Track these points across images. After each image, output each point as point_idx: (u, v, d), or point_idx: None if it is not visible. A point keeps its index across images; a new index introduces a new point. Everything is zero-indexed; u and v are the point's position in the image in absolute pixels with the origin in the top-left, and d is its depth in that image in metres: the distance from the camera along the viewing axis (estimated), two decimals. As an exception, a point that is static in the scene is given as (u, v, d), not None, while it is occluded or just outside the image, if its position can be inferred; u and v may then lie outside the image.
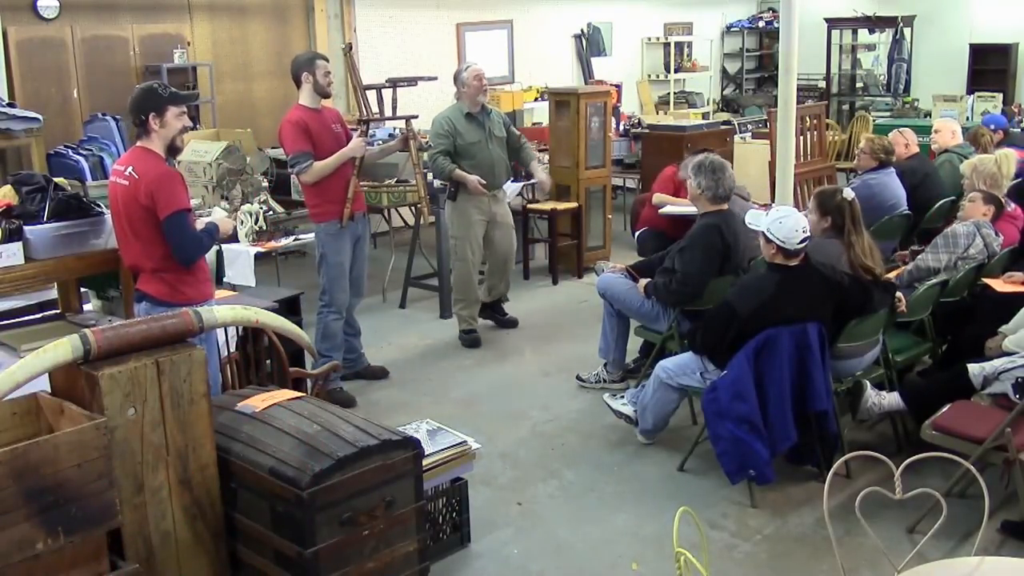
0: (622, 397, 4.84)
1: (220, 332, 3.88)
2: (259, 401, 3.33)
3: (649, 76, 12.88)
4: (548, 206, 7.82)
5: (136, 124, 3.81)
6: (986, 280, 4.90)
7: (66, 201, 3.98)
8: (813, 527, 3.94)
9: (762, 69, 14.90)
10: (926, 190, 6.54)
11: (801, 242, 4.09)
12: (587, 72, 11.77)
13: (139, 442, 2.92)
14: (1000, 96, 10.89)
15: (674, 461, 4.50)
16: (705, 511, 4.02)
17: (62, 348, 2.83)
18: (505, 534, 3.97)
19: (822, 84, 13.61)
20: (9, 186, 4.08)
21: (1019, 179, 5.82)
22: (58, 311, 4.37)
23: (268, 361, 4.04)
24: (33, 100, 7.21)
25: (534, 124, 9.95)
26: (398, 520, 3.15)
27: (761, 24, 14.51)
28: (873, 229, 5.38)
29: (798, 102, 6.34)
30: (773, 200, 6.15)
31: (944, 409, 3.95)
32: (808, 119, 8.51)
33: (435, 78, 6.40)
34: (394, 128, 7.50)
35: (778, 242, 4.09)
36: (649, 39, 12.87)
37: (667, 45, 12.96)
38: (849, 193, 4.56)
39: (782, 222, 4.09)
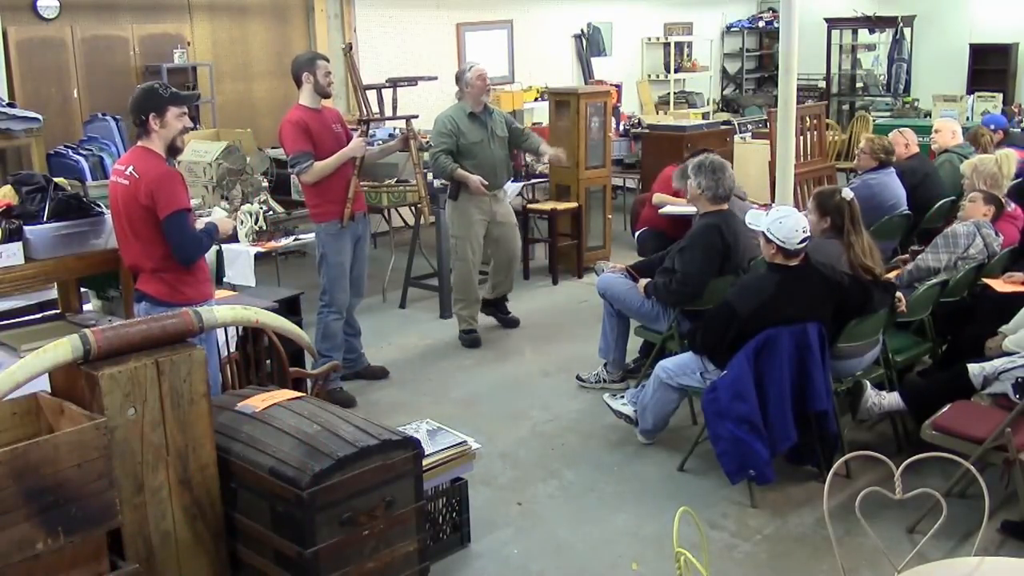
0: (622, 397, 4.84)
1: (220, 332, 3.88)
2: (259, 401, 3.33)
3: (649, 76, 12.88)
4: (548, 206, 7.83)
5: (136, 124, 3.81)
6: (986, 280, 4.90)
7: (66, 201, 3.97)
8: (813, 527, 3.94)
9: (762, 69, 14.89)
10: (926, 190, 6.54)
11: (801, 242, 4.09)
12: (587, 72, 11.77)
13: (139, 442, 2.92)
14: (1000, 96, 10.89)
15: (674, 461, 4.50)
16: (705, 511, 4.02)
17: (62, 348, 2.83)
18: (505, 534, 3.97)
19: (822, 84, 13.61)
20: (9, 186, 4.08)
21: (1019, 179, 5.83)
22: (58, 311, 4.37)
23: (268, 361, 4.04)
24: (33, 100, 7.21)
25: (534, 124, 9.93)
26: (398, 520, 3.15)
27: (761, 24, 14.51)
28: (873, 229, 5.38)
29: (798, 102, 6.34)
30: (773, 200, 6.15)
31: (944, 409, 3.95)
32: (808, 119, 8.51)
33: (435, 78, 6.40)
34: (394, 128, 7.50)
35: (778, 242, 4.09)
36: (649, 39, 12.87)
37: (667, 45, 12.96)
38: (848, 193, 4.56)
39: (782, 222, 4.09)
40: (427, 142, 6.32)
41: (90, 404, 2.85)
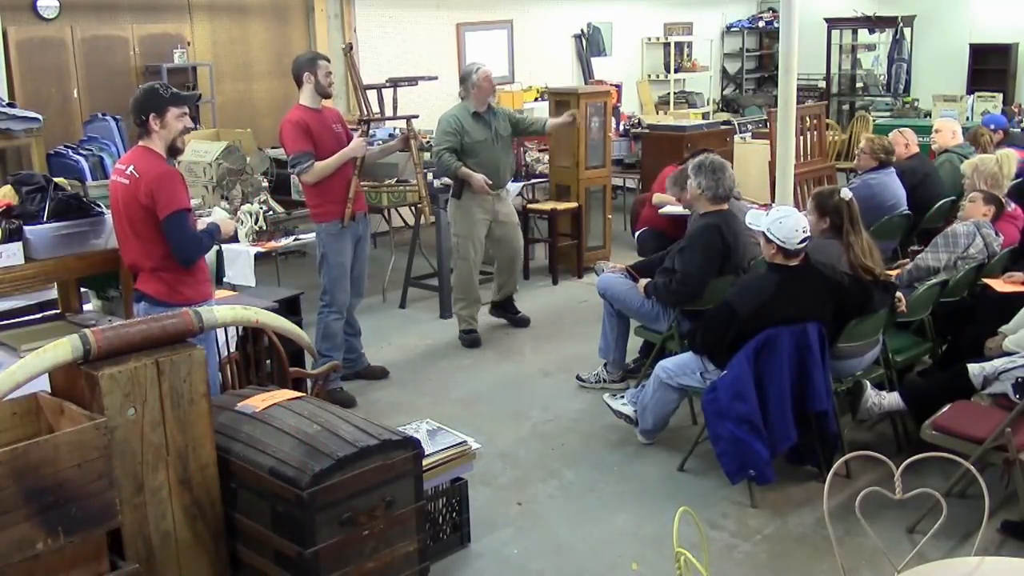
0: (622, 397, 4.84)
1: (220, 332, 3.88)
2: (259, 401, 3.33)
3: (649, 76, 12.88)
4: (548, 206, 7.83)
5: (137, 124, 3.82)
6: (986, 280, 4.90)
7: (66, 201, 3.97)
8: (813, 527, 3.94)
9: (762, 69, 14.90)
10: (926, 190, 6.54)
11: (801, 242, 4.09)
12: (587, 72, 11.77)
13: (139, 442, 2.92)
14: (1000, 96, 10.90)
15: (674, 461, 4.50)
16: (705, 511, 4.02)
17: (62, 348, 2.83)
18: (505, 534, 3.97)
19: (822, 84, 13.61)
20: (9, 186, 4.07)
21: (1019, 179, 5.82)
22: (58, 311, 4.37)
23: (268, 361, 4.04)
24: (33, 100, 7.21)
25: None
26: (398, 520, 3.15)
27: (761, 24, 14.51)
28: (873, 229, 5.38)
29: (798, 102, 6.34)
30: (773, 200, 6.15)
31: (944, 409, 3.95)
32: (808, 119, 8.51)
33: (436, 78, 6.40)
34: (394, 128, 7.50)
35: (778, 242, 4.09)
36: (649, 39, 12.87)
37: (667, 45, 12.96)
38: (847, 193, 4.56)
39: (782, 222, 4.09)
40: (427, 142, 6.32)
41: (90, 404, 2.85)
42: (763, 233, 4.15)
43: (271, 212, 6.33)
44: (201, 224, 4.00)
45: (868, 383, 4.38)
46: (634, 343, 5.47)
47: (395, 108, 5.64)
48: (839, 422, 4.31)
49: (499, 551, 3.85)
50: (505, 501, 4.24)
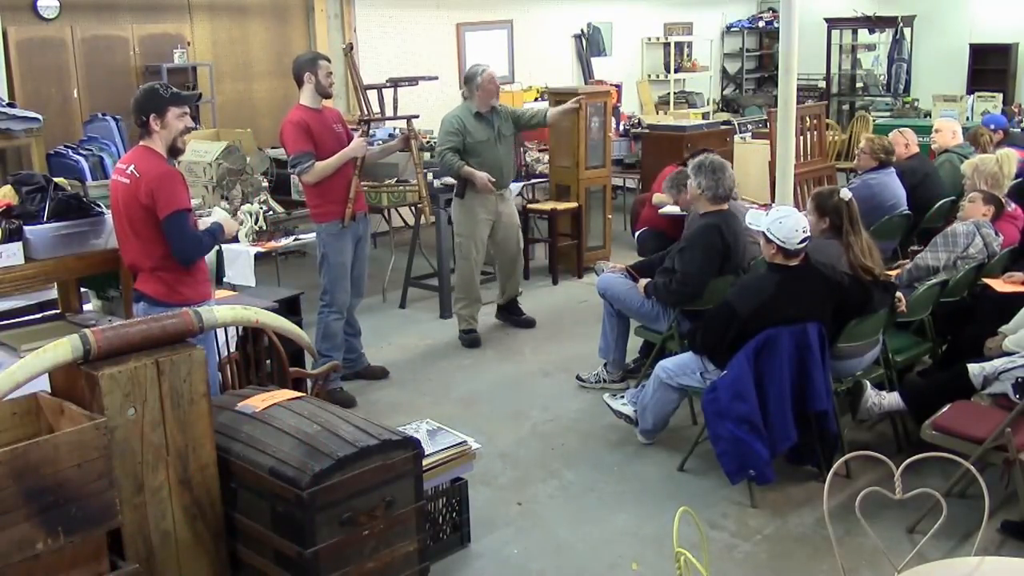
0: (622, 397, 4.84)
1: (220, 332, 3.88)
2: (259, 401, 3.33)
3: (649, 76, 12.88)
4: (548, 206, 7.83)
5: (138, 125, 3.82)
6: (986, 280, 4.90)
7: (66, 201, 3.97)
8: (813, 527, 3.94)
9: (762, 69, 14.90)
10: (926, 190, 6.54)
11: (801, 242, 4.09)
12: (587, 72, 11.77)
13: (139, 442, 2.92)
14: (1000, 96, 10.90)
15: (674, 461, 4.50)
16: (705, 511, 4.02)
17: (62, 348, 2.83)
18: (505, 534, 3.97)
19: (822, 84, 13.61)
20: (9, 186, 4.07)
21: (1020, 179, 5.82)
22: (58, 311, 4.37)
23: (268, 361, 4.04)
24: (33, 100, 7.21)
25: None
26: (398, 520, 3.15)
27: (761, 24, 14.51)
28: (873, 229, 5.38)
29: (798, 102, 6.34)
30: (773, 200, 6.15)
31: (944, 409, 3.95)
32: (808, 119, 8.51)
33: (436, 78, 6.41)
34: (394, 128, 7.51)
35: (778, 242, 4.09)
36: (649, 39, 12.87)
37: (667, 45, 12.96)
38: (846, 194, 4.56)
39: (782, 222, 4.09)
40: (427, 142, 6.32)
41: (90, 404, 2.84)
42: (763, 233, 4.15)
43: (271, 212, 6.33)
44: (203, 224, 4.00)
45: (868, 383, 4.38)
46: (634, 343, 5.47)
47: (395, 108, 5.65)
48: (839, 422, 4.31)
49: (499, 551, 3.85)
50: (505, 501, 4.24)
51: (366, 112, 5.38)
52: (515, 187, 7.27)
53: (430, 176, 6.48)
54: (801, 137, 8.19)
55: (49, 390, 3.02)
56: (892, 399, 4.35)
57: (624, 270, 5.26)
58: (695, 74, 13.42)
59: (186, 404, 3.01)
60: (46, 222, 3.89)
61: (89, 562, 2.70)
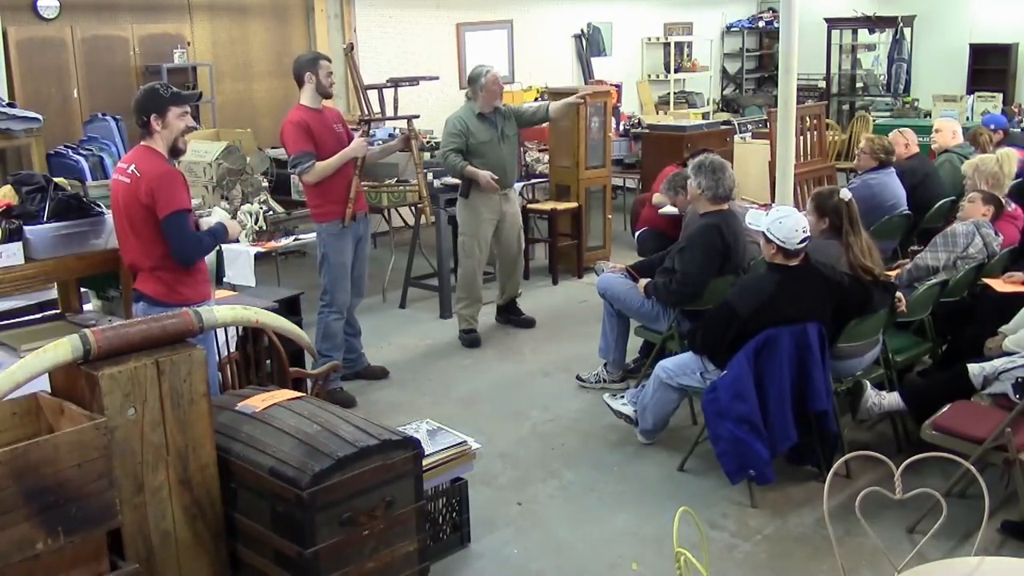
0: (622, 397, 4.84)
1: (220, 332, 3.88)
2: (259, 401, 3.33)
3: (649, 76, 12.88)
4: (548, 206, 7.83)
5: (139, 126, 3.82)
6: (986, 280, 4.90)
7: (66, 201, 3.97)
8: (813, 527, 3.94)
9: (762, 69, 14.89)
10: (926, 190, 6.54)
11: (801, 242, 4.09)
12: (587, 72, 11.77)
13: (139, 442, 2.92)
14: (1000, 96, 10.90)
15: (674, 461, 4.50)
16: (705, 511, 4.02)
17: (62, 348, 2.83)
18: (505, 534, 3.97)
19: (822, 84, 13.61)
20: (9, 186, 4.07)
21: (1020, 179, 5.82)
22: (58, 311, 4.37)
23: (268, 361, 4.04)
24: (33, 100, 7.21)
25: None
26: (398, 520, 3.15)
27: (761, 24, 14.51)
28: (873, 229, 5.38)
29: (798, 102, 6.34)
30: (773, 200, 6.15)
31: (944, 409, 3.95)
32: (808, 119, 8.51)
33: (436, 78, 6.41)
34: (394, 128, 7.51)
35: (778, 242, 4.09)
36: (649, 39, 12.87)
37: (667, 45, 12.96)
38: (846, 194, 4.56)
39: (782, 222, 4.09)
40: (428, 142, 6.32)
41: (90, 404, 2.84)
42: (763, 233, 4.15)
43: (271, 212, 6.33)
44: (204, 224, 4.01)
45: (868, 383, 4.38)
46: (634, 343, 5.47)
47: (396, 108, 5.65)
48: (839, 422, 4.31)
49: (499, 551, 3.85)
50: (505, 501, 4.24)
51: (366, 112, 5.38)
52: (516, 187, 7.27)
53: (430, 176, 6.49)
54: (801, 137, 8.19)
55: (49, 390, 3.02)
56: (892, 399, 4.35)
57: (624, 270, 5.26)
58: (695, 74, 13.42)
59: (186, 404, 3.01)
60: (46, 222, 3.89)
61: (89, 562, 2.70)
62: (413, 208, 7.14)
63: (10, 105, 6.56)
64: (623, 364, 5.47)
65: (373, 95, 5.57)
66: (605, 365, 5.45)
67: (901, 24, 12.88)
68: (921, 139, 7.40)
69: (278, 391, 3.48)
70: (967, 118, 9.99)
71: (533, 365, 5.92)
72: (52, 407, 2.92)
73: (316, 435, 3.07)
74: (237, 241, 5.75)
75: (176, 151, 3.87)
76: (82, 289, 4.46)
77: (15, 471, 2.52)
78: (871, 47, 13.85)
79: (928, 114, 11.05)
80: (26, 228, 3.84)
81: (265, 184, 6.72)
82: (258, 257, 5.88)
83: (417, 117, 5.60)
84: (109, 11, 7.83)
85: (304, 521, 2.92)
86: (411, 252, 7.22)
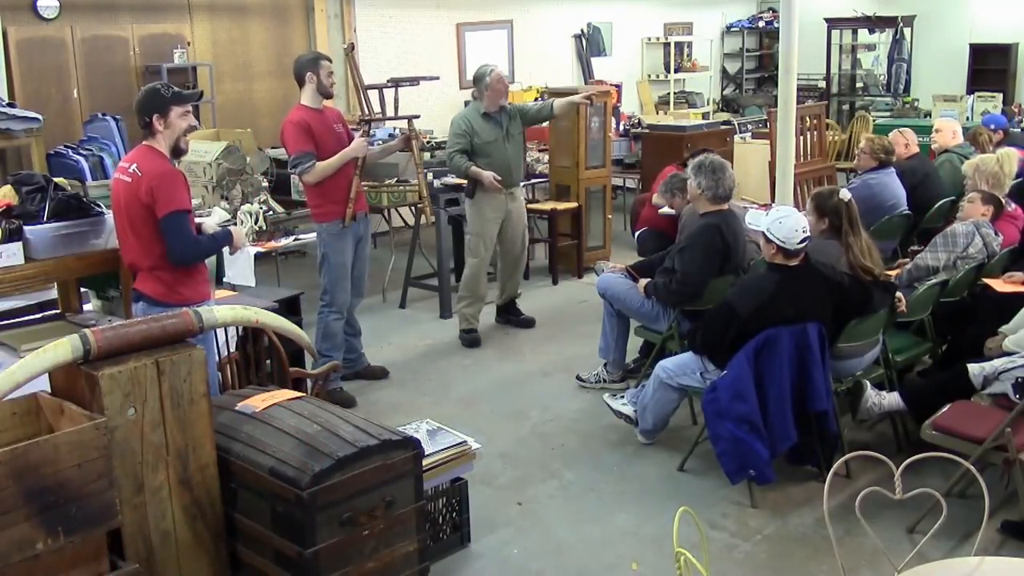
0: (622, 397, 4.84)
1: (220, 332, 3.88)
2: (259, 401, 3.33)
3: (649, 76, 12.88)
4: (548, 206, 7.83)
5: (141, 126, 3.82)
6: (986, 280, 4.90)
7: (66, 201, 3.97)
8: (813, 527, 3.94)
9: (762, 69, 14.90)
10: (926, 190, 6.54)
11: (801, 242, 4.09)
12: (587, 72, 11.77)
13: (139, 442, 2.92)
14: (1000, 96, 10.90)
15: (674, 461, 4.50)
16: (705, 511, 4.02)
17: (62, 348, 2.83)
18: (505, 534, 3.97)
19: (822, 84, 13.61)
20: (9, 186, 4.07)
21: (1020, 179, 5.82)
22: (58, 311, 4.36)
23: (268, 361, 4.04)
24: (33, 100, 7.21)
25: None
26: (398, 520, 3.15)
27: (761, 24, 14.51)
28: (873, 229, 5.38)
29: (798, 102, 6.34)
30: (773, 200, 6.15)
31: (944, 409, 3.95)
32: (808, 119, 8.51)
33: (437, 78, 6.41)
34: (394, 128, 7.51)
35: (778, 242, 4.09)
36: (649, 39, 12.87)
37: (667, 45, 12.96)
38: (846, 194, 4.56)
39: (782, 222, 4.09)
40: (428, 142, 6.32)
41: (90, 404, 2.84)
42: (763, 233, 4.15)
43: (271, 212, 6.33)
44: (207, 228, 4.01)
45: (868, 383, 4.38)
46: (634, 343, 5.47)
47: (396, 108, 5.65)
48: (839, 422, 4.31)
49: (499, 551, 3.85)
50: (505, 501, 4.24)
51: (367, 112, 5.38)
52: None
53: (430, 176, 6.49)
54: (801, 137, 8.19)
55: (49, 390, 3.02)
56: (892, 399, 4.35)
57: (624, 270, 5.26)
58: (695, 74, 13.42)
59: (186, 404, 3.01)
60: (46, 222, 3.89)
61: (89, 562, 2.70)
62: (413, 208, 7.14)
63: (10, 105, 6.56)
64: (623, 364, 5.47)
65: (373, 95, 5.57)
66: (605, 365, 5.45)
67: (901, 24, 12.88)
68: (921, 139, 7.40)
69: (278, 391, 3.48)
70: (967, 118, 9.99)
71: (533, 365, 5.92)
72: (52, 407, 2.92)
73: (316, 435, 3.07)
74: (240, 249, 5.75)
75: (178, 151, 3.87)
76: (82, 289, 4.46)
77: (15, 471, 2.52)
78: (871, 47, 13.85)
79: (928, 114, 11.05)
80: (26, 228, 3.83)
81: (265, 184, 6.72)
82: (258, 257, 5.88)
83: (417, 117, 5.60)
84: (109, 11, 7.83)
85: (304, 521, 2.92)
86: (411, 252, 7.22)
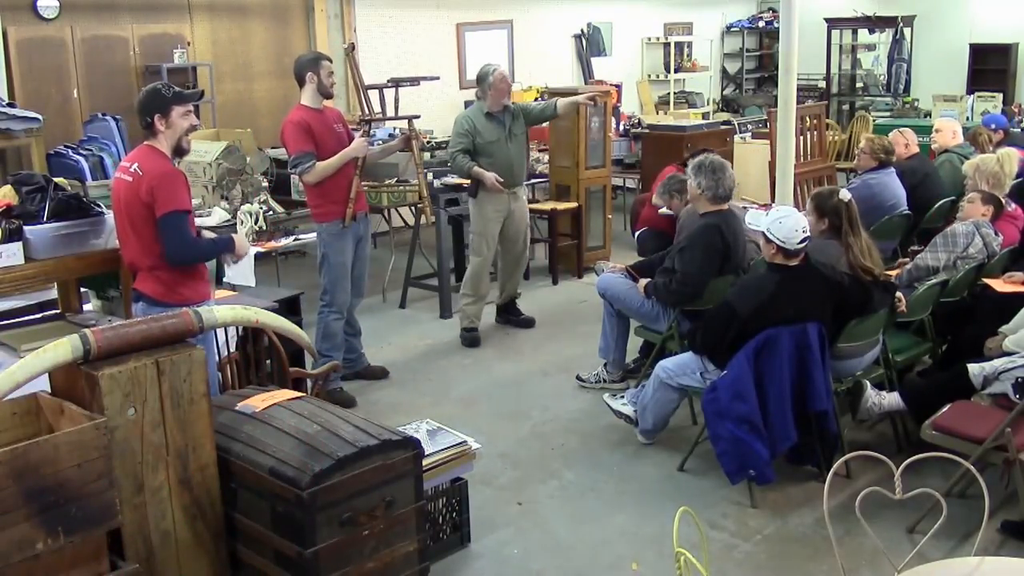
0: (622, 397, 4.84)
1: (220, 332, 3.88)
2: (259, 401, 3.33)
3: (649, 76, 12.88)
4: (548, 206, 7.83)
5: (143, 127, 3.83)
6: (986, 280, 4.90)
7: (66, 201, 3.97)
8: (813, 527, 3.94)
9: (762, 69, 14.90)
10: (926, 190, 6.54)
11: (801, 242, 4.09)
12: (587, 72, 11.77)
13: (139, 442, 2.92)
14: (1000, 96, 10.90)
15: (674, 461, 4.50)
16: (705, 511, 4.02)
17: (62, 348, 2.83)
18: (505, 534, 3.97)
19: (822, 84, 13.61)
20: (9, 186, 4.07)
21: (1020, 179, 5.82)
22: (58, 311, 4.37)
23: (268, 361, 4.04)
24: (33, 100, 7.21)
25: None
26: (398, 520, 3.15)
27: (761, 24, 14.51)
28: (873, 229, 5.38)
29: (798, 102, 6.34)
30: (773, 200, 6.15)
31: (944, 409, 3.95)
32: (808, 119, 8.51)
33: (437, 78, 6.41)
34: (394, 128, 7.51)
35: (778, 242, 4.09)
36: (649, 39, 12.87)
37: (667, 45, 12.96)
38: (845, 194, 4.56)
39: (782, 222, 4.09)
40: (428, 141, 6.32)
41: (90, 404, 2.84)
42: (763, 233, 4.15)
43: (271, 212, 6.33)
44: (207, 233, 4.00)
45: (868, 383, 4.38)
46: (634, 343, 5.47)
47: (396, 108, 5.65)
48: (839, 422, 4.31)
49: (499, 551, 3.85)
50: (505, 501, 4.24)
51: (367, 112, 5.38)
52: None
53: (430, 176, 6.49)
54: (801, 137, 8.19)
55: (49, 390, 3.02)
56: (892, 399, 4.35)
57: (624, 270, 5.26)
58: (695, 74, 13.42)
59: (186, 404, 3.01)
60: (46, 222, 3.89)
61: (89, 562, 2.70)
62: (413, 208, 7.14)
63: (10, 105, 6.56)
64: (623, 364, 5.47)
65: (374, 95, 5.57)
66: (605, 365, 5.45)
67: (901, 24, 12.88)
68: (921, 139, 7.40)
69: (278, 391, 3.48)
70: (967, 118, 9.99)
71: (533, 365, 5.92)
72: (52, 407, 2.92)
73: (316, 435, 3.07)
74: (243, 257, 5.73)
75: (180, 151, 3.87)
76: (82, 289, 4.46)
77: (15, 471, 2.52)
78: (871, 47, 13.85)
79: (928, 114, 11.05)
80: (26, 228, 3.83)
81: (265, 184, 6.72)
82: (258, 257, 5.87)
83: (417, 117, 5.60)
84: (109, 11, 7.83)
85: (304, 521, 2.92)
86: (411, 252, 7.22)
